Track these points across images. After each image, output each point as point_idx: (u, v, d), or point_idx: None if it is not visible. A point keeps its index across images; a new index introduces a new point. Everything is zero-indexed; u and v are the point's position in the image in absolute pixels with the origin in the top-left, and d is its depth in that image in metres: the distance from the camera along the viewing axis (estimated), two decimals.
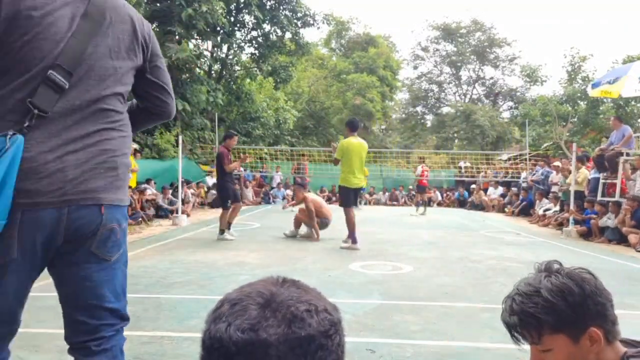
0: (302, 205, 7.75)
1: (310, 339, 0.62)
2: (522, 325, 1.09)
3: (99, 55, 1.39)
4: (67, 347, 1.46)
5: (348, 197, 6.79)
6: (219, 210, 7.85)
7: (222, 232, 7.40)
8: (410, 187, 18.43)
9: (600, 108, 17.82)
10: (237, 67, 18.95)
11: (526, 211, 13.32)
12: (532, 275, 1.15)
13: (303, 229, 7.87)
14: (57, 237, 1.33)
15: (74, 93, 1.34)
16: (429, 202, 18.31)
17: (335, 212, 7.78)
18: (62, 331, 1.45)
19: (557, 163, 12.72)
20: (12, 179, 1.21)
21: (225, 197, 7.41)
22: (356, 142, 6.76)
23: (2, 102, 1.27)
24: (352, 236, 6.67)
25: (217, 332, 0.63)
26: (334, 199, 16.20)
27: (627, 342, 1.14)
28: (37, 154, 1.27)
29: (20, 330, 1.43)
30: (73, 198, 1.32)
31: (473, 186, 17.62)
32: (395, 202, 18.12)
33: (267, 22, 17.97)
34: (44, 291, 2.05)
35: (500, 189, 16.10)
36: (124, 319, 1.49)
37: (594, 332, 1.06)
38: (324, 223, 7.70)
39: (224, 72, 18.52)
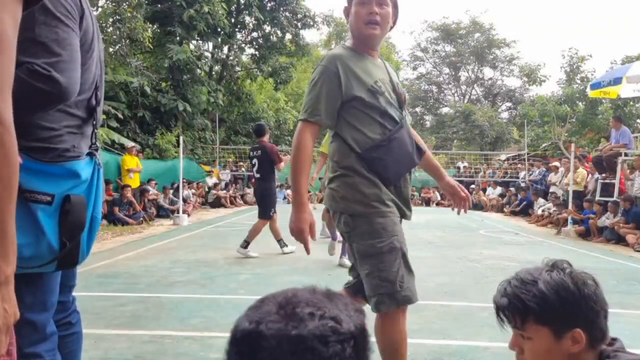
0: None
1: (300, 339, 0.63)
2: (510, 308, 1.11)
3: (102, 79, 1.52)
4: None
5: None
6: (219, 210, 7.80)
7: (281, 242, 6.23)
8: None
9: (599, 108, 17.83)
10: (237, 68, 18.98)
11: (525, 211, 13.35)
12: (538, 266, 1.16)
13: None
14: None
15: (99, 113, 1.49)
16: (427, 202, 18.36)
17: None
18: None
19: (555, 163, 12.75)
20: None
21: (271, 204, 6.06)
22: None
23: (87, 129, 1.37)
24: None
25: (236, 322, 0.68)
26: None
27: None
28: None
29: None
30: None
31: (472, 186, 17.66)
32: None
33: (267, 23, 18.00)
34: None
35: (499, 189, 16.14)
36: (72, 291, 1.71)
37: (578, 333, 1.06)
38: None
39: (225, 73, 18.56)
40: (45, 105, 1.17)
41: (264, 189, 6.07)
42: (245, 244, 5.93)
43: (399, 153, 1.91)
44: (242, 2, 17.31)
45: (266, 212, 6.01)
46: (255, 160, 6.06)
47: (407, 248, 1.92)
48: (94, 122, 1.38)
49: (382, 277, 1.82)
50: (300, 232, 1.83)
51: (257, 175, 6.09)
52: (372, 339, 0.79)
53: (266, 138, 6.23)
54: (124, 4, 10.76)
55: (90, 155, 1.33)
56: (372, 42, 1.97)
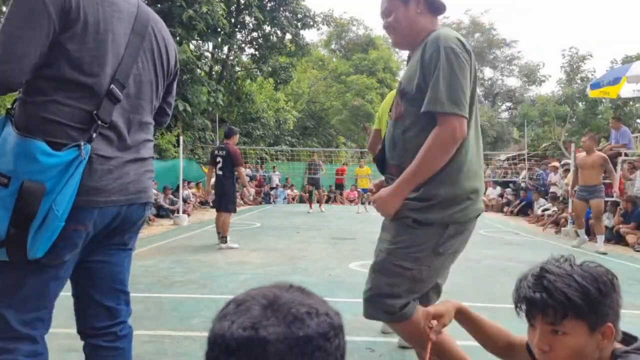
0: None
1: (308, 340, 0.64)
2: (549, 303, 1.04)
3: (145, 69, 1.50)
4: (82, 338, 1.54)
5: None
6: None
7: (225, 239, 6.72)
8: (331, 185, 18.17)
9: (599, 108, 17.85)
10: (237, 68, 18.98)
11: (525, 211, 13.35)
12: (552, 261, 1.11)
13: None
14: (104, 230, 1.45)
15: (126, 106, 1.45)
16: None
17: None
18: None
19: (555, 163, 12.75)
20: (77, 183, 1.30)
21: (233, 199, 6.92)
22: None
23: (71, 115, 1.33)
24: None
25: (220, 329, 0.66)
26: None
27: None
28: (105, 160, 1.38)
29: None
30: (132, 197, 1.47)
31: None
32: None
33: (267, 23, 18.00)
34: None
35: (499, 189, 16.13)
36: (129, 303, 1.61)
37: (609, 327, 1.04)
38: None
39: (225, 73, 18.56)
40: None
41: (225, 186, 6.80)
42: (223, 239, 6.63)
43: None
44: (242, 2, 17.30)
45: (227, 205, 6.74)
46: (219, 159, 6.81)
47: None
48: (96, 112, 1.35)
49: None
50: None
51: (220, 173, 6.82)
52: None
53: (232, 141, 6.96)
54: None
55: (77, 145, 1.28)
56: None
